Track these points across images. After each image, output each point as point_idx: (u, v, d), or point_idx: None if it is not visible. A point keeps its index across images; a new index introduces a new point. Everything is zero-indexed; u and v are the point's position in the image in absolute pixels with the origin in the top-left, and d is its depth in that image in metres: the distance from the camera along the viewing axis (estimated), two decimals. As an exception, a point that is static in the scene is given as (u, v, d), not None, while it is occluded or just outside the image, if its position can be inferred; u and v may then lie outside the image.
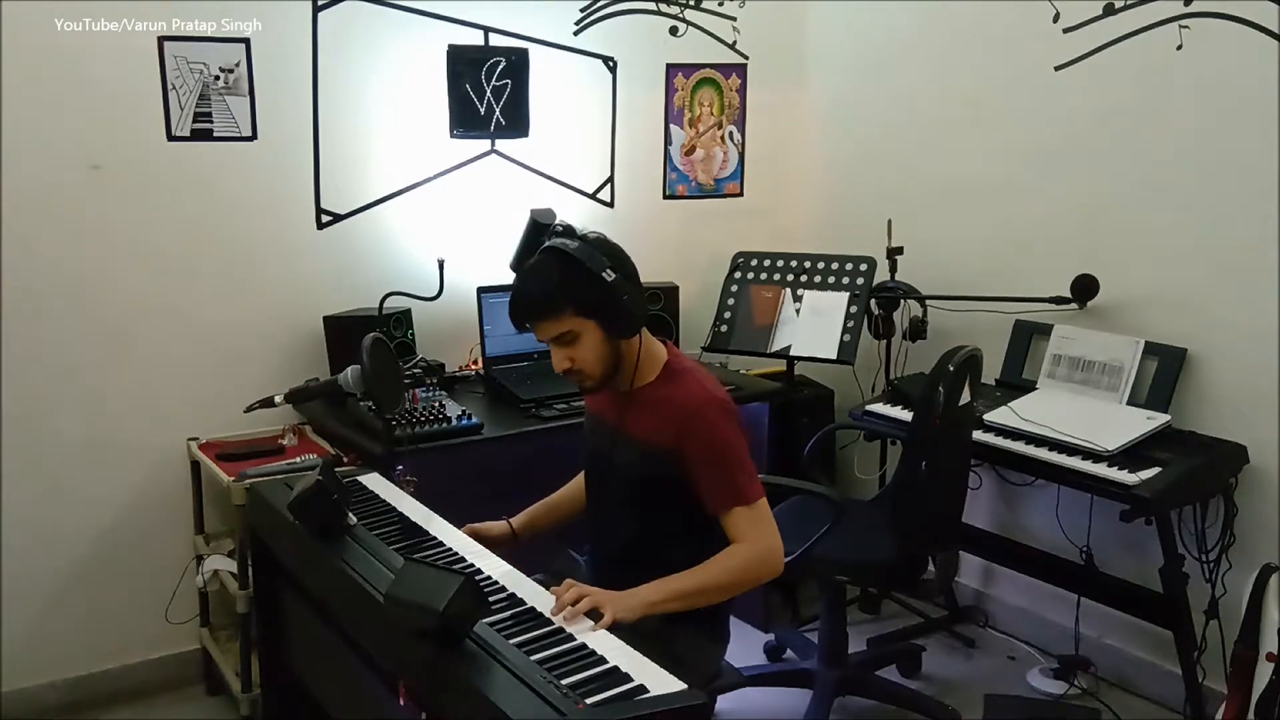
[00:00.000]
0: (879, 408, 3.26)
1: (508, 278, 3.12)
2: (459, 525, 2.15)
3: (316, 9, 3.04)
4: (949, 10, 3.46)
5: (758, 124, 3.92)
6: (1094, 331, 3.08)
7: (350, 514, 2.05)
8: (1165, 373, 2.92)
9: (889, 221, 3.48)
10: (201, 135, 2.94)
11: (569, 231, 2.10)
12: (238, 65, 2.95)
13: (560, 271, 2.02)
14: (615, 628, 1.71)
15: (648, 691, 1.47)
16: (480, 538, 2.16)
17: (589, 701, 1.43)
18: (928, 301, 3.42)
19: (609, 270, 2.01)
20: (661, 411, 2.09)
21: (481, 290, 3.24)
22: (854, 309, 3.39)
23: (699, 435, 2.03)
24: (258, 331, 3.11)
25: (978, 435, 2.91)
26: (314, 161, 3.12)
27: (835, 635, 2.98)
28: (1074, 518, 3.16)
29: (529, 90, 3.38)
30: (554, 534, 2.36)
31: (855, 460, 3.80)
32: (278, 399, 2.43)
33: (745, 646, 3.23)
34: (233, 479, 2.66)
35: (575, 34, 3.48)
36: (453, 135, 3.30)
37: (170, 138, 2.91)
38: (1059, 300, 3.13)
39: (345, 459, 2.78)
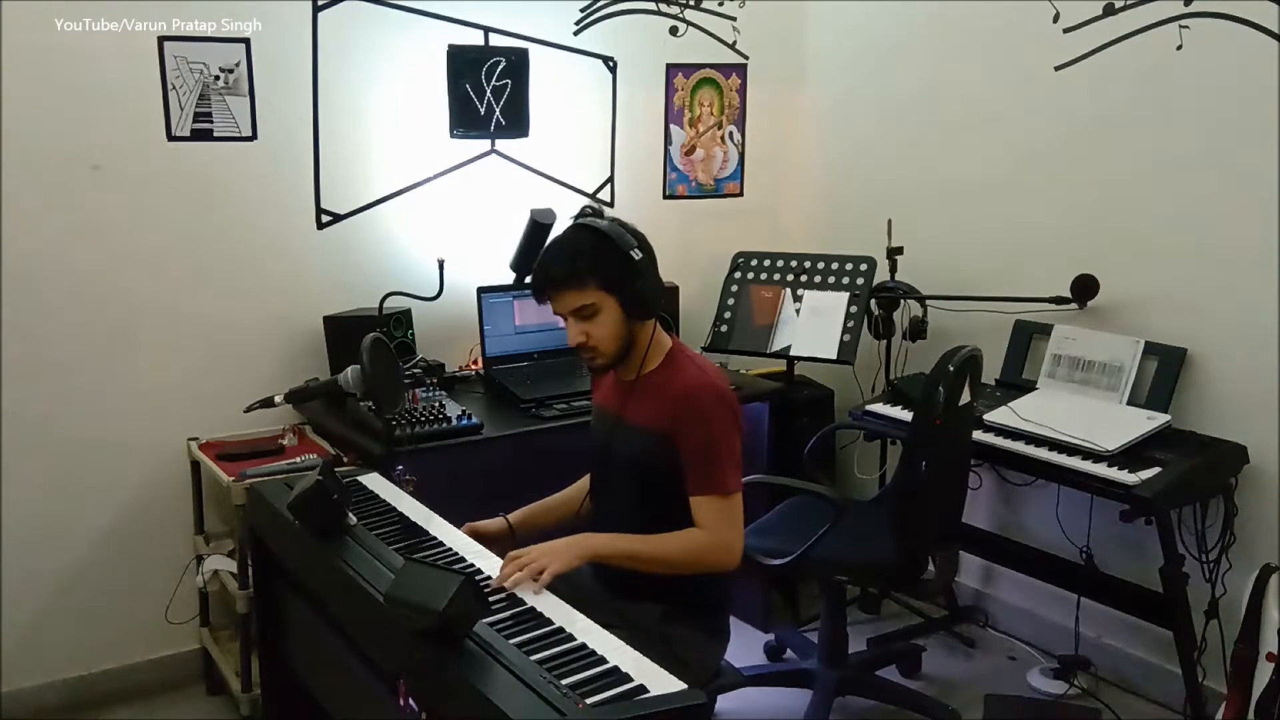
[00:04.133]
0: (879, 408, 3.26)
1: (508, 278, 3.16)
2: (459, 525, 2.16)
3: (316, 9, 3.04)
4: (949, 10, 3.46)
5: (758, 124, 3.92)
6: (1094, 331, 3.08)
7: (350, 514, 2.05)
8: (1165, 373, 2.92)
9: (889, 221, 3.48)
10: (201, 135, 2.94)
11: (597, 211, 2.14)
12: (238, 65, 2.95)
13: (589, 244, 2.06)
14: (614, 627, 1.71)
15: (648, 691, 1.47)
16: (478, 536, 2.16)
17: (589, 701, 1.43)
18: (928, 301, 3.42)
19: (636, 250, 2.04)
20: (660, 396, 2.11)
21: (481, 290, 3.24)
22: (854, 309, 3.39)
23: (689, 417, 2.06)
24: (258, 331, 3.11)
25: (978, 435, 2.91)
26: (314, 161, 3.12)
27: (835, 635, 2.98)
28: (1074, 518, 3.16)
29: (529, 90, 3.38)
30: (551, 533, 2.36)
31: (855, 460, 3.79)
32: (278, 399, 2.43)
33: (745, 646, 3.23)
34: (233, 479, 2.67)
35: (575, 34, 3.48)
36: (453, 135, 3.30)
37: (170, 138, 2.91)
38: (1059, 300, 3.13)
39: (345, 459, 2.78)
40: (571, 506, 2.37)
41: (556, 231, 2.25)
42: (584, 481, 2.38)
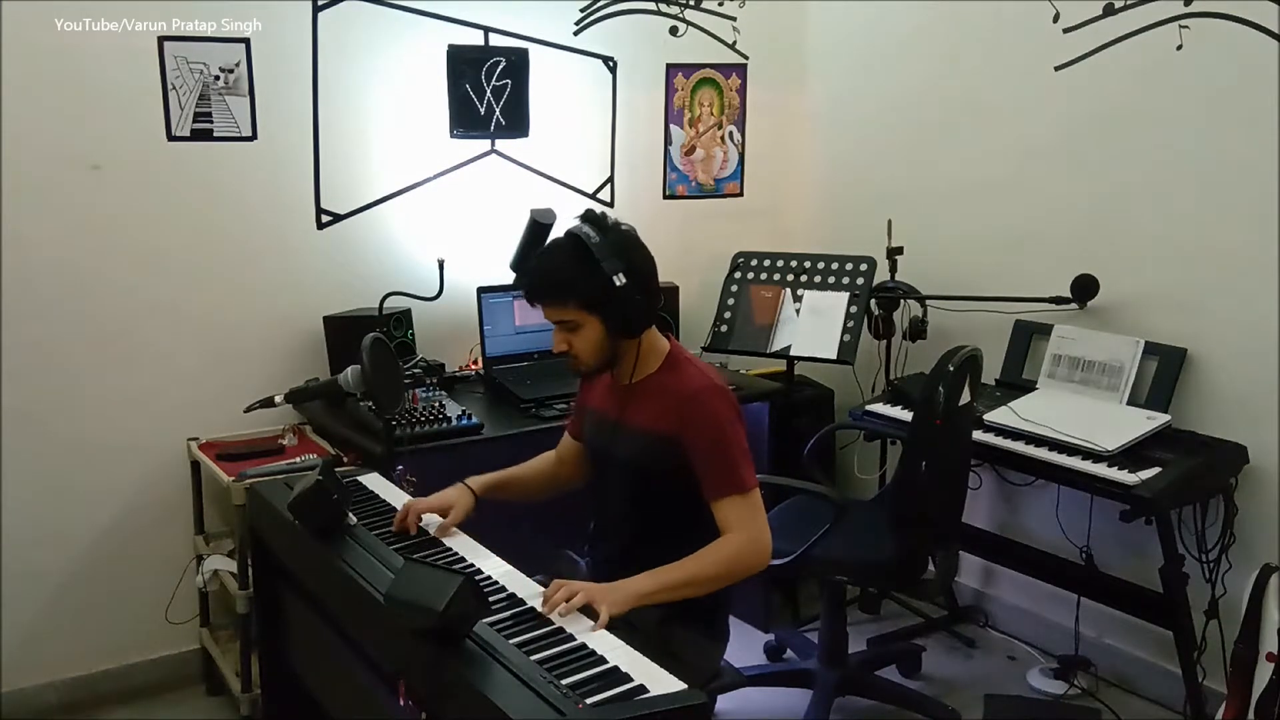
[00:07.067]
0: (879, 408, 3.26)
1: (508, 278, 3.16)
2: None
3: (316, 9, 3.04)
4: (949, 10, 3.46)
5: (758, 124, 3.92)
6: (1094, 331, 3.08)
7: (350, 514, 2.05)
8: (1165, 373, 2.92)
9: (889, 221, 3.48)
10: (201, 135, 2.94)
11: (597, 221, 2.08)
12: (238, 65, 2.95)
13: (573, 263, 2.04)
14: (613, 626, 1.71)
15: (647, 691, 1.47)
16: (436, 512, 2.12)
17: (589, 701, 1.43)
18: (928, 301, 3.42)
19: (620, 274, 2.02)
20: (662, 400, 2.10)
21: (481, 290, 3.24)
22: (854, 309, 3.39)
23: (698, 420, 2.05)
24: (258, 331, 3.11)
25: (978, 435, 2.91)
26: (314, 161, 3.12)
27: (835, 635, 2.98)
28: (1074, 518, 3.16)
29: (529, 90, 3.38)
30: (515, 503, 2.32)
31: (855, 460, 3.80)
32: (278, 399, 2.43)
33: (745, 646, 3.23)
34: (233, 479, 2.67)
35: (575, 34, 3.48)
36: (453, 135, 3.30)
37: (170, 138, 2.91)
38: (1059, 300, 3.13)
39: (345, 459, 2.78)
40: (533, 484, 2.34)
41: (557, 232, 2.24)
42: (545, 456, 2.37)
